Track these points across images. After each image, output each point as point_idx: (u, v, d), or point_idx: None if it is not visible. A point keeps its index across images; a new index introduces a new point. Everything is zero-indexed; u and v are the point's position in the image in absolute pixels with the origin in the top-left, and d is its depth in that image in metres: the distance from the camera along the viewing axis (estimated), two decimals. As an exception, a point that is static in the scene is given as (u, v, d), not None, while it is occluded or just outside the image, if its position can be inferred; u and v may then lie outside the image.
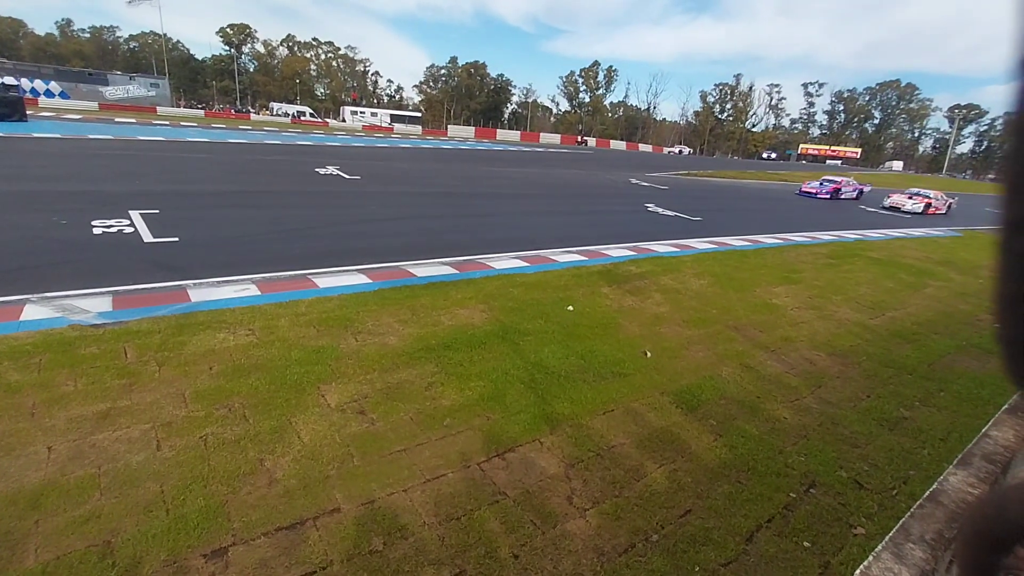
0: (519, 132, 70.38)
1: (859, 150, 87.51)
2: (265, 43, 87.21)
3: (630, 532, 2.69)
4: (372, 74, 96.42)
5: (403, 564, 2.36)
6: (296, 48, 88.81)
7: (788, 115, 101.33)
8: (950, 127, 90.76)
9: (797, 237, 12.01)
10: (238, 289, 5.33)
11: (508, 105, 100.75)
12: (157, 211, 8.31)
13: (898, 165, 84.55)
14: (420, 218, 10.16)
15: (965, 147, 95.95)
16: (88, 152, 15.32)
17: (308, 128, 43.96)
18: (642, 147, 74.06)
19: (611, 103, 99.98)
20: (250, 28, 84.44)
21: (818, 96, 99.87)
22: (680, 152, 72.82)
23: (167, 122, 33.51)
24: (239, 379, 3.67)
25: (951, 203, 22.37)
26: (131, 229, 7.23)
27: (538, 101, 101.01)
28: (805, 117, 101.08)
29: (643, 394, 4.10)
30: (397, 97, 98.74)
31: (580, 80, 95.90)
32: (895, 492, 3.22)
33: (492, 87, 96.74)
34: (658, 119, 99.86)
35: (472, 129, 64.07)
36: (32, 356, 3.69)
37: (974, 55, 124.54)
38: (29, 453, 2.78)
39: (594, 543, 2.60)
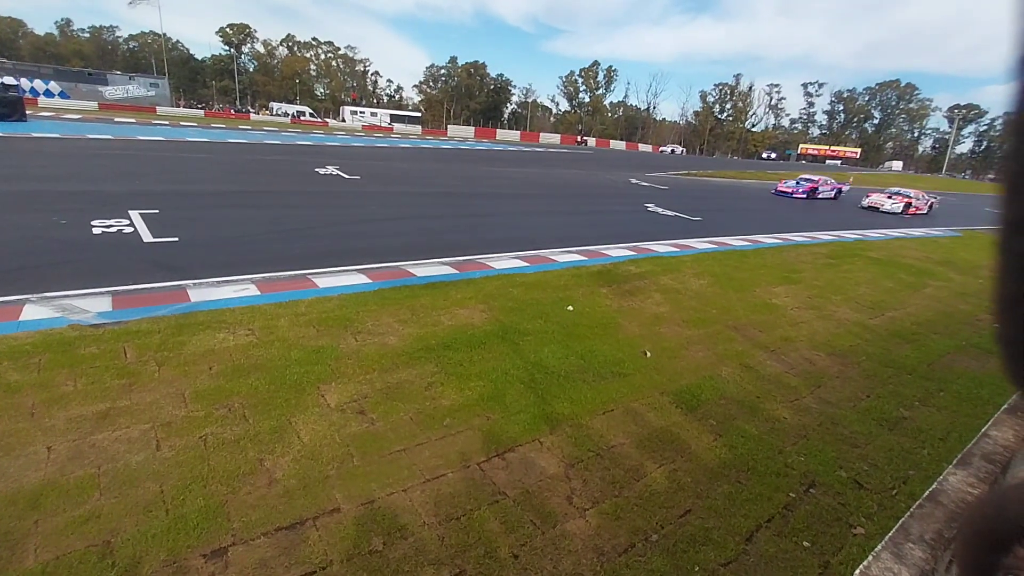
0: (519, 132, 70.39)
1: (859, 150, 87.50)
2: (265, 43, 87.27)
3: (630, 532, 2.69)
4: (372, 74, 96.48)
5: (403, 564, 2.36)
6: (296, 48, 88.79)
7: (788, 115, 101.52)
8: (950, 127, 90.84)
9: (797, 237, 12.02)
10: (238, 289, 5.32)
11: (508, 105, 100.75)
12: (157, 211, 8.31)
13: (898, 165, 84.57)
14: (420, 218, 10.16)
15: (965, 147, 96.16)
16: (88, 152, 15.31)
17: (308, 128, 43.95)
18: (642, 147, 74.08)
19: (611, 103, 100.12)
20: (250, 28, 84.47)
21: (818, 96, 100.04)
22: (672, 151, 71.37)
23: (167, 122, 33.50)
24: (239, 379, 3.67)
25: (932, 202, 21.87)
26: (131, 229, 7.23)
27: (538, 101, 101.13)
28: (805, 117, 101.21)
29: (643, 394, 4.10)
30: (397, 97, 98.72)
31: (580, 80, 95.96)
32: (895, 492, 3.23)
33: (492, 87, 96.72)
34: (658, 119, 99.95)
35: (472, 129, 64.08)
36: (32, 356, 3.69)
37: (974, 55, 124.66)
38: (29, 453, 2.78)
39: (594, 543, 2.60)
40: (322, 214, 9.76)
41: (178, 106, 57.62)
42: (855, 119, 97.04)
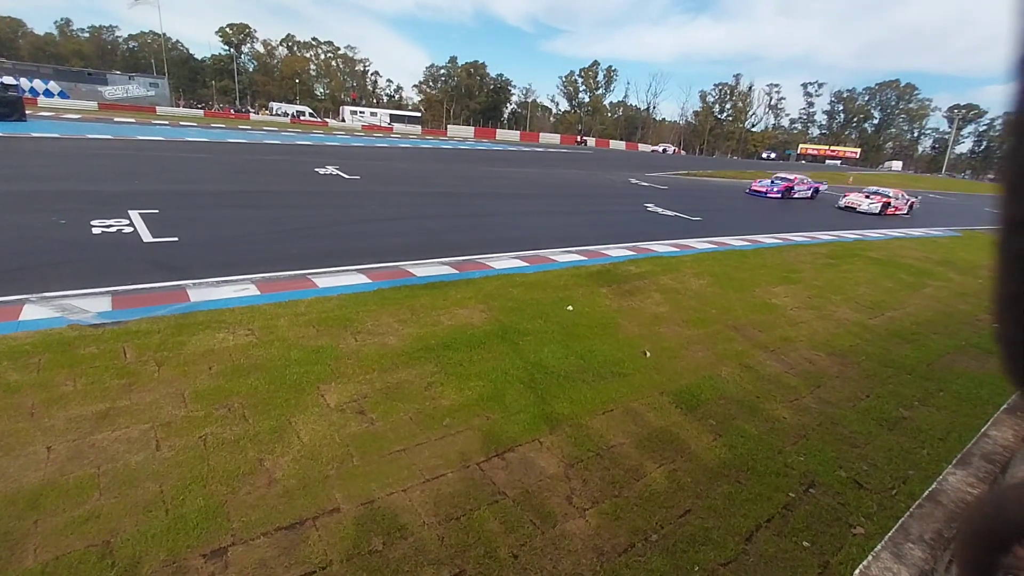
0: (519, 132, 70.39)
1: (858, 150, 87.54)
2: (265, 43, 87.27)
3: (629, 532, 2.69)
4: (372, 74, 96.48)
5: (403, 564, 2.36)
6: (295, 48, 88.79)
7: (787, 115, 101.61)
8: (949, 127, 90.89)
9: (796, 237, 12.03)
10: (237, 289, 5.32)
11: (508, 105, 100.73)
12: (156, 211, 8.30)
13: (897, 165, 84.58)
14: (420, 218, 10.16)
15: (964, 147, 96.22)
16: (87, 152, 15.31)
17: (307, 128, 43.94)
18: (641, 147, 74.04)
19: (611, 103, 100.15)
20: (249, 28, 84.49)
21: (817, 96, 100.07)
22: (664, 151, 69.20)
23: (166, 122, 33.49)
24: (238, 379, 3.67)
25: (912, 202, 21.19)
26: (130, 229, 7.22)
27: (537, 101, 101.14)
28: (804, 117, 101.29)
29: (642, 394, 4.10)
30: (396, 97, 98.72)
31: (580, 80, 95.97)
32: (894, 492, 3.23)
33: (492, 87, 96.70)
34: (658, 119, 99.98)
35: (471, 129, 64.09)
36: (31, 356, 3.68)
37: (974, 55, 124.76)
38: (28, 453, 2.78)
39: (593, 543, 2.60)
40: (322, 214, 9.76)
41: (178, 106, 57.60)
42: (855, 119, 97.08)
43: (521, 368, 4.26)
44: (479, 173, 20.16)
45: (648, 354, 4.82)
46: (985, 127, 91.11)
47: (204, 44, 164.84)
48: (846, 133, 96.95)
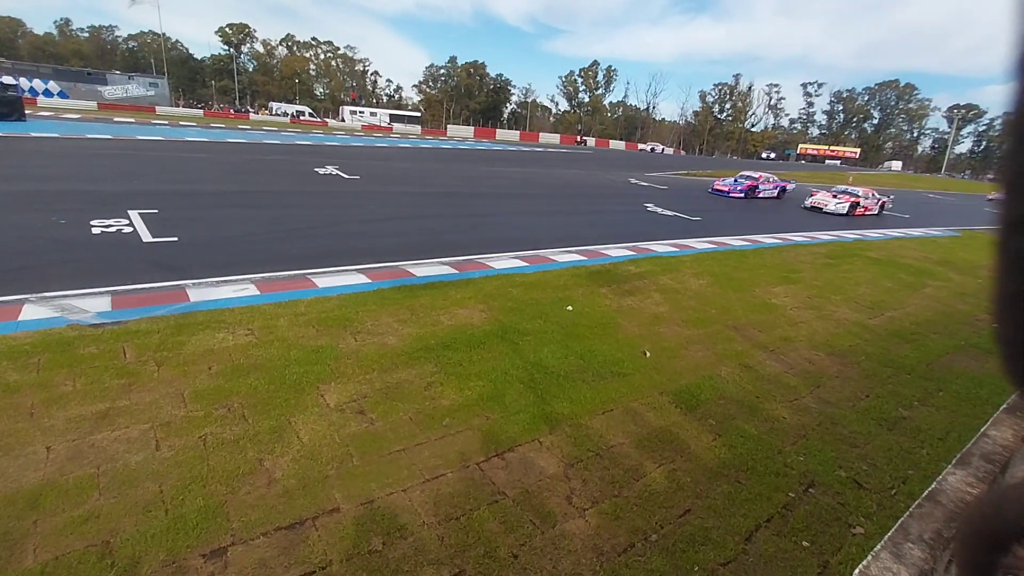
0: (518, 132, 70.39)
1: (858, 150, 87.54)
2: (264, 43, 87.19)
3: (629, 532, 2.69)
4: (371, 74, 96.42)
5: (402, 564, 2.36)
6: (295, 48, 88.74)
7: (787, 115, 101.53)
8: (949, 127, 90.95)
9: (796, 237, 12.03)
10: (237, 289, 5.32)
11: (507, 105, 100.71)
12: (156, 211, 8.30)
13: (897, 165, 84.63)
14: (419, 218, 10.15)
15: (964, 147, 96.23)
16: (87, 152, 15.30)
17: (307, 128, 43.92)
18: (641, 147, 74.06)
19: (610, 103, 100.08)
20: (249, 28, 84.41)
21: (817, 96, 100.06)
22: (652, 150, 67.76)
23: (166, 122, 33.48)
24: (238, 379, 3.67)
25: (884, 202, 20.18)
26: (130, 229, 7.22)
27: (537, 101, 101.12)
28: (804, 117, 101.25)
29: (642, 394, 4.10)
30: (396, 97, 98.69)
31: (579, 80, 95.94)
32: (894, 492, 3.23)
33: (491, 87, 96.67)
34: (657, 119, 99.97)
35: (471, 129, 64.09)
36: (31, 356, 3.68)
37: (973, 55, 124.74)
38: (28, 453, 2.78)
39: (593, 543, 2.60)
40: (321, 214, 9.76)
41: (177, 106, 57.61)
42: (854, 119, 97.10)
43: (521, 368, 4.26)
44: (479, 173, 20.15)
45: (648, 354, 4.82)
46: (985, 127, 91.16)
47: (204, 44, 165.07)
48: (846, 133, 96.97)
